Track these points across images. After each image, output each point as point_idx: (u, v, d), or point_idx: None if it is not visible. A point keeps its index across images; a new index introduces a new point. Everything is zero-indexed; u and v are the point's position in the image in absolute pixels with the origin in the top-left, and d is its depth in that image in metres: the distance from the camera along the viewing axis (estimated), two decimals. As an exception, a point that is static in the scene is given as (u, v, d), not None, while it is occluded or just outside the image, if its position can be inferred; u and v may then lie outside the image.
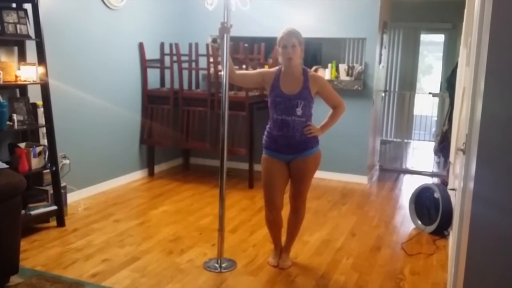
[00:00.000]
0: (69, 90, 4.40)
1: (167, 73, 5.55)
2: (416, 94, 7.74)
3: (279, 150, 3.15)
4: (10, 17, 3.65)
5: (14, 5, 3.77)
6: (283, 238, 3.41)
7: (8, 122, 3.62)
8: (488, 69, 1.68)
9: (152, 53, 5.48)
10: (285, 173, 3.19)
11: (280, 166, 3.16)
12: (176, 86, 5.37)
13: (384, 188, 5.58)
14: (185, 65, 5.42)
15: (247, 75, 3.43)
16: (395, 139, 8.19)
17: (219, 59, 3.83)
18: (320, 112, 3.32)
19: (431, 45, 9.92)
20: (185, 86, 5.48)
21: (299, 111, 3.04)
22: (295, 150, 3.13)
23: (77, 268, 3.21)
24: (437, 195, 4.06)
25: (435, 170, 6.41)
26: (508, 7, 1.64)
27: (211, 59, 5.17)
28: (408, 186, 5.63)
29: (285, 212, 3.31)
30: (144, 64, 5.39)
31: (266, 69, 3.60)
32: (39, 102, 3.91)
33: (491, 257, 1.75)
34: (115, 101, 5.02)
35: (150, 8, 5.46)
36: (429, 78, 10.41)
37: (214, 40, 5.58)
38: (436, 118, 8.41)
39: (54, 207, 3.91)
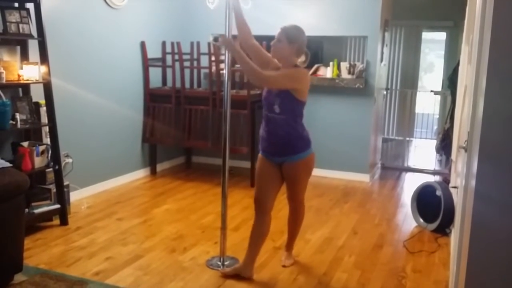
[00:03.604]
0: (71, 89, 4.42)
1: (169, 71, 5.55)
2: (417, 92, 7.74)
3: (268, 151, 3.09)
4: (13, 17, 3.66)
5: (16, 4, 3.77)
6: (284, 237, 3.41)
7: (11, 121, 3.63)
8: (489, 67, 1.69)
9: (154, 52, 5.49)
10: (277, 175, 3.11)
11: (272, 168, 3.10)
12: (178, 84, 5.38)
13: (386, 186, 5.58)
14: (186, 63, 5.43)
15: (261, 51, 3.26)
16: (397, 137, 8.18)
17: (221, 57, 3.80)
18: (315, 112, 3.31)
19: (433, 43, 9.90)
20: (187, 85, 5.49)
21: (276, 109, 2.99)
22: (282, 152, 3.05)
23: (81, 266, 3.23)
24: (439, 193, 4.06)
25: (437, 168, 6.40)
26: (510, 4, 1.64)
27: (213, 58, 5.18)
28: (410, 184, 5.63)
29: (285, 210, 3.32)
30: (146, 63, 5.41)
31: (276, 61, 3.44)
32: (42, 101, 3.92)
33: (492, 254, 1.75)
34: (117, 100, 5.03)
35: (152, 7, 5.47)
36: (431, 76, 10.40)
37: (215, 39, 5.56)
38: (437, 116, 8.40)
39: (57, 206, 3.92)
